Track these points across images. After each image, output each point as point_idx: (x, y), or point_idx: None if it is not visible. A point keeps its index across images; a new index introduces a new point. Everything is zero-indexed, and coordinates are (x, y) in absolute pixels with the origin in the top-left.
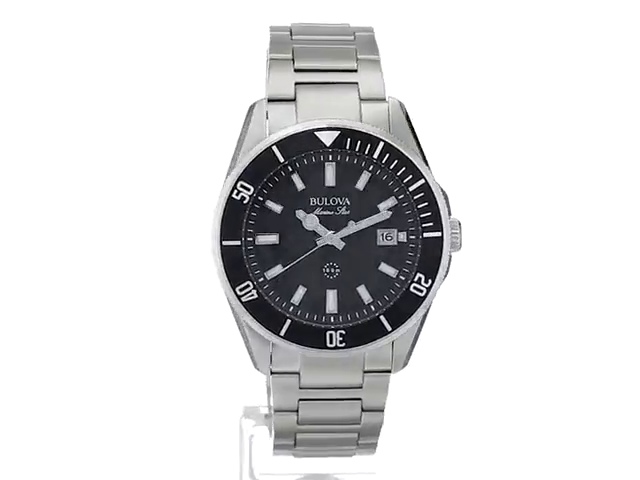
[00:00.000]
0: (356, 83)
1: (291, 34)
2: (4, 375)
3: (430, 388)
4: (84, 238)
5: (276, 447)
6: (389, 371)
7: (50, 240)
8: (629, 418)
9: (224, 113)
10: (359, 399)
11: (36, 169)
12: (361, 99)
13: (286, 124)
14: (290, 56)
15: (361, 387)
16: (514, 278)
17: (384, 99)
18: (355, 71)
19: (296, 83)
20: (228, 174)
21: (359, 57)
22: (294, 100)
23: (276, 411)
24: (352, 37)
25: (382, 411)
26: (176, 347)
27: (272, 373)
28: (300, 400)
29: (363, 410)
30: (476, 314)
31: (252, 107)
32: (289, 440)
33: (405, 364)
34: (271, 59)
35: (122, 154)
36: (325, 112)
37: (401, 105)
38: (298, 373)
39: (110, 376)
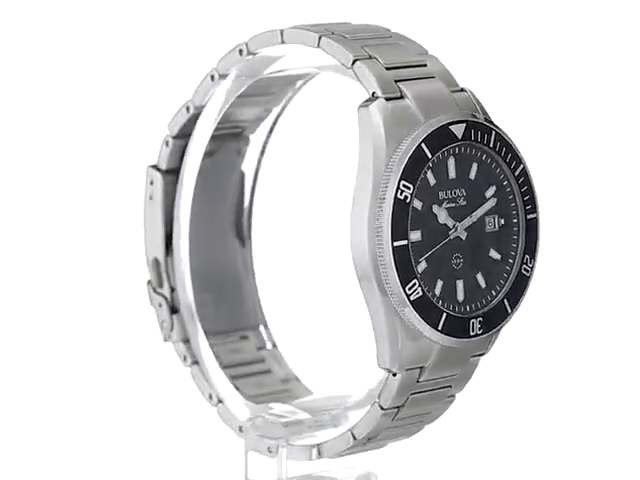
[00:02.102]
0: (434, 77)
1: (334, 34)
2: None
3: None
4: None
5: (349, 449)
6: (483, 354)
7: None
8: None
9: None
10: (449, 386)
11: None
12: (450, 91)
13: (414, 121)
14: (367, 54)
15: (456, 375)
16: None
17: (462, 89)
18: (425, 65)
19: (395, 80)
20: (363, 177)
21: (417, 52)
22: (403, 97)
23: (386, 409)
24: (389, 35)
25: (454, 397)
26: None
27: (406, 370)
28: (411, 394)
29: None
30: None
31: (366, 107)
32: (366, 439)
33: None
34: (356, 59)
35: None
36: (437, 106)
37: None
38: (423, 368)
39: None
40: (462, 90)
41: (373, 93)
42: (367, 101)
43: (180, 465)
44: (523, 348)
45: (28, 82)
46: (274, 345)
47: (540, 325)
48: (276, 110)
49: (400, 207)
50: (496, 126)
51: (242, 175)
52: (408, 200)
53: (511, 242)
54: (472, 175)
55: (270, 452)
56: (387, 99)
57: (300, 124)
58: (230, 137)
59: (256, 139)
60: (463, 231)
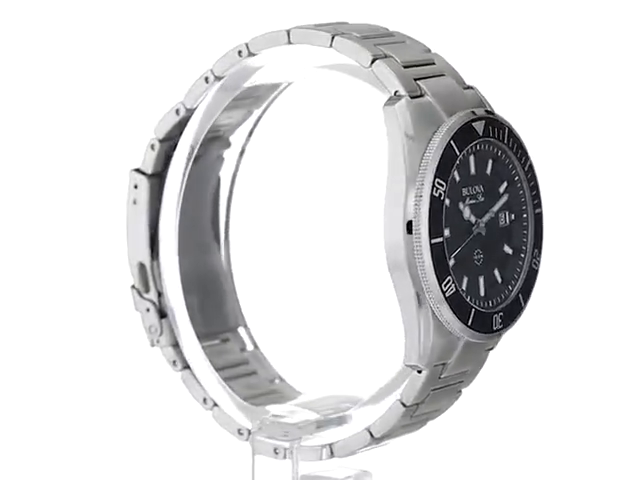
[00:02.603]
0: (444, 74)
1: (344, 33)
2: None
3: None
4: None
5: (364, 447)
6: (492, 348)
7: None
8: None
9: None
10: (462, 382)
11: None
12: (463, 88)
13: (437, 118)
14: (382, 53)
15: (469, 370)
16: None
17: (470, 86)
18: (434, 63)
19: (414, 78)
20: (395, 176)
21: (422, 50)
22: (423, 95)
23: (408, 406)
24: (392, 34)
25: (461, 392)
26: None
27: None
28: (432, 391)
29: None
30: None
31: (392, 106)
32: (381, 437)
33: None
34: (374, 58)
35: None
36: (455, 103)
37: None
38: (446, 364)
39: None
40: (469, 87)
41: (395, 92)
42: (390, 100)
43: (180, 473)
44: (520, 344)
45: (17, 82)
46: (255, 346)
47: (537, 322)
48: (257, 112)
49: (435, 204)
50: (508, 122)
51: (221, 178)
52: (442, 197)
53: (521, 237)
54: (488, 171)
55: (276, 454)
56: (413, 97)
57: (280, 126)
58: (212, 140)
59: (236, 142)
60: (483, 227)
